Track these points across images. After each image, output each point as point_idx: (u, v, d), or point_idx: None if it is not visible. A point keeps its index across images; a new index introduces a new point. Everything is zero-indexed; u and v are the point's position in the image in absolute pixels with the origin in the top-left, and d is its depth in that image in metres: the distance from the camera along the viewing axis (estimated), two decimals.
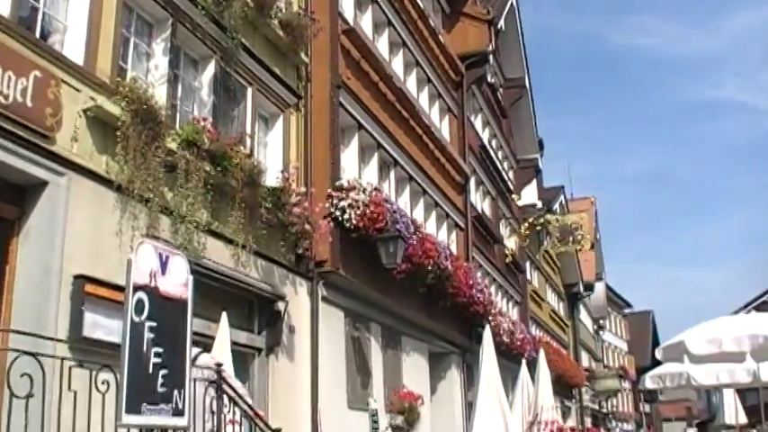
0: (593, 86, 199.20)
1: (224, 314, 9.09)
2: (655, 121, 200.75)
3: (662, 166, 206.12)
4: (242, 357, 10.93)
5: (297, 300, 12.29)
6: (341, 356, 13.60)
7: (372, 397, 14.70)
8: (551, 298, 40.57)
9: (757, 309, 31.91)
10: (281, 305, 11.56)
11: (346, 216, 13.07)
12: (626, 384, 62.50)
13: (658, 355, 12.49)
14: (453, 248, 20.34)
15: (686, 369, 13.27)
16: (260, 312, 11.46)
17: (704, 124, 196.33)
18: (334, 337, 13.38)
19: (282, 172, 11.91)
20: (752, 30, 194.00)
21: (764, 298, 60.80)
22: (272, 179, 11.92)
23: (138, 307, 5.68)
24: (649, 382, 15.21)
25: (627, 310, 72.78)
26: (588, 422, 47.28)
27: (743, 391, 19.55)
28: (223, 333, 8.93)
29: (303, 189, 12.16)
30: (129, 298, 5.63)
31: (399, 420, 15.61)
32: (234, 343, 9.59)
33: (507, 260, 27.72)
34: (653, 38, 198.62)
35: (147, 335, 5.71)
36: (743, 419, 18.89)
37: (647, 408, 75.69)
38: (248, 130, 11.97)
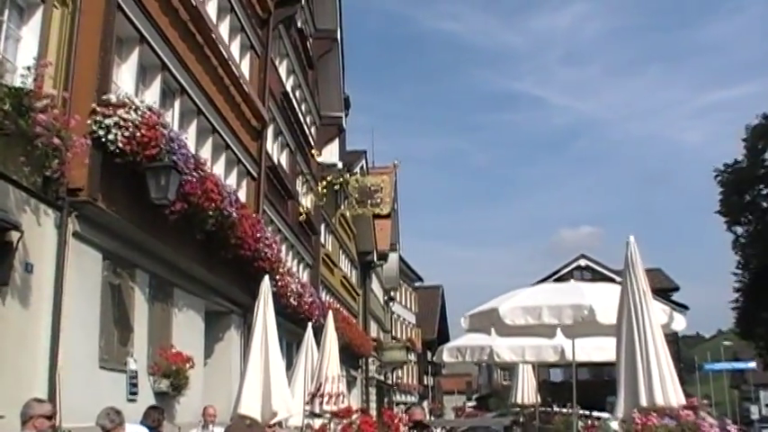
0: (397, 66, 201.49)
1: None
2: (453, 106, 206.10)
3: (457, 151, 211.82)
4: None
5: (39, 232, 9.94)
6: (94, 306, 11.34)
7: (133, 356, 12.58)
8: (344, 264, 39.33)
9: None
10: (14, 236, 9.21)
11: (111, 137, 10.79)
12: (412, 357, 62.69)
13: (463, 323, 11.04)
14: (243, 197, 18.38)
15: (489, 343, 12.05)
16: None
17: (499, 114, 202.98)
18: (87, 282, 11.11)
19: (29, 68, 9.47)
20: (554, 31, 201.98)
21: (549, 281, 62.41)
22: (19, 82, 9.51)
23: None
24: (447, 354, 13.94)
25: (417, 284, 73.14)
26: (373, 393, 46.66)
27: (539, 367, 18.79)
28: None
29: (54, 92, 9.80)
30: None
31: (164, 385, 13.52)
32: None
33: (301, 218, 26.00)
34: (459, 25, 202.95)
35: None
36: (535, 399, 17.95)
37: (431, 381, 76.71)
38: None
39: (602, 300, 9.49)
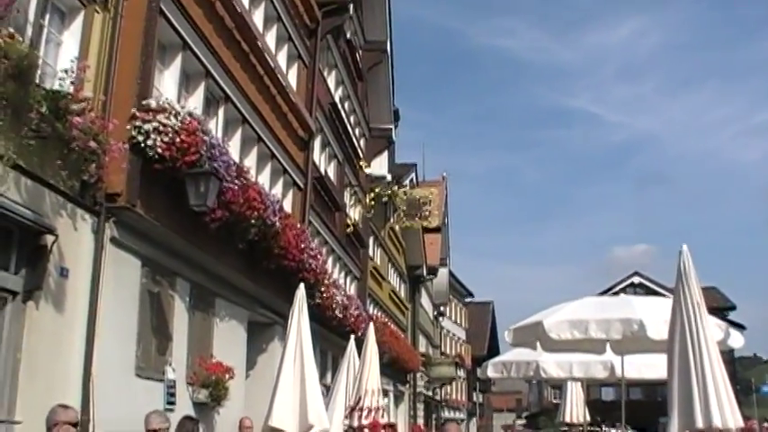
0: (450, 82, 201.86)
1: None
2: (507, 122, 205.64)
3: (511, 168, 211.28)
4: None
5: (76, 237, 9.79)
6: (131, 313, 11.17)
7: (171, 365, 12.38)
8: (393, 278, 39.01)
9: None
10: (48, 239, 9.05)
11: (150, 142, 10.61)
12: (461, 373, 62.06)
13: (507, 337, 10.62)
14: (288, 208, 18.18)
15: (536, 358, 11.58)
16: (19, 246, 8.89)
17: (554, 130, 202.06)
18: (125, 289, 10.94)
19: (66, 71, 9.32)
20: (608, 47, 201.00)
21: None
22: (57, 84, 9.38)
23: None
24: (491, 370, 13.46)
25: (468, 299, 72.53)
26: (421, 409, 46.19)
27: (590, 386, 18.24)
28: None
29: (92, 95, 9.65)
30: None
31: (203, 395, 13.32)
32: None
33: (349, 230, 25.74)
34: (514, 41, 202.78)
35: None
36: (584, 417, 17.35)
37: (480, 397, 75.88)
38: (30, 18, 9.41)
39: (654, 314, 9.00)
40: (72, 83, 9.29)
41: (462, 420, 61.48)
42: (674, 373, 7.33)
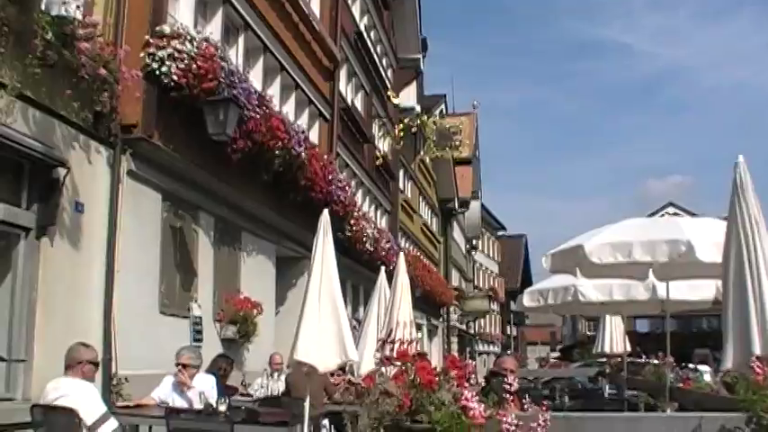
0: (479, 16, 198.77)
1: None
2: (536, 55, 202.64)
3: (542, 101, 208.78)
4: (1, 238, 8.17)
5: (90, 170, 9.38)
6: (153, 248, 10.81)
7: (197, 302, 12.07)
8: (424, 211, 38.52)
9: None
10: (60, 173, 8.64)
11: (165, 69, 10.12)
12: (495, 306, 61.84)
13: (545, 263, 10.08)
14: (315, 139, 17.69)
15: (574, 282, 11.09)
16: (30, 180, 8.50)
17: (585, 62, 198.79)
18: (145, 224, 10.56)
19: None
20: None
21: None
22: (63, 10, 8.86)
23: None
24: (528, 299, 13.02)
25: (500, 233, 72.00)
26: (455, 342, 46.09)
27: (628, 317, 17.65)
28: None
29: (98, 19, 9.15)
30: None
31: (231, 331, 13.02)
32: None
33: (378, 163, 25.19)
34: None
35: None
36: (624, 348, 16.78)
37: (514, 331, 75.80)
38: None
39: (703, 234, 8.44)
40: (78, 7, 8.81)
41: (497, 354, 61.45)
42: (730, 298, 6.78)
